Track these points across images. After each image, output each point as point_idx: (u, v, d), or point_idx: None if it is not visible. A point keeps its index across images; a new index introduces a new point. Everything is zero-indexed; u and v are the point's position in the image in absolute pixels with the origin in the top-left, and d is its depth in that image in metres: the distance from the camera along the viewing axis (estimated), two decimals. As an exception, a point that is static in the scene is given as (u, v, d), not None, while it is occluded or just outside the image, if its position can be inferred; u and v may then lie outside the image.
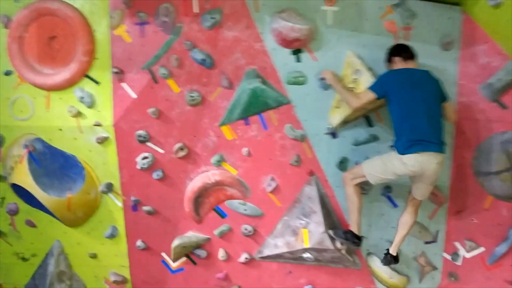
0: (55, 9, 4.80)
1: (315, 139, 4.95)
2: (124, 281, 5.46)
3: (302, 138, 4.92)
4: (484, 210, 5.00)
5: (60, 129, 5.08)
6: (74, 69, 4.89)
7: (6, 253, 5.57)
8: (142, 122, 4.98)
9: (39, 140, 5.13)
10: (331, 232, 4.92)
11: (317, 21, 4.69)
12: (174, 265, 5.40)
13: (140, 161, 5.03)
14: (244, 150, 4.99)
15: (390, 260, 4.84)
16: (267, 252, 5.21)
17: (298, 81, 4.80)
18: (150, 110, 4.90)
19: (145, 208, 5.19)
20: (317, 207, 4.99)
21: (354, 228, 4.76)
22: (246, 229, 5.17)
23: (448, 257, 5.17)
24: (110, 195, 5.22)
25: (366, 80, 4.55)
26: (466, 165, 4.96)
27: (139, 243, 5.30)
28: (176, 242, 5.23)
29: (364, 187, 4.94)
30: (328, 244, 4.92)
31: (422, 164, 4.30)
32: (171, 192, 5.18)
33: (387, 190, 5.04)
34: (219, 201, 5.18)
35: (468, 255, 5.12)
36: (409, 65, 4.45)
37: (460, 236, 5.11)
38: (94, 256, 5.44)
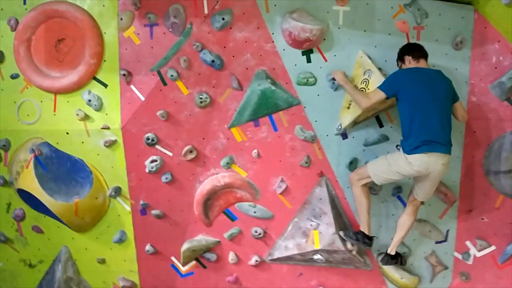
0: (63, 11, 4.74)
1: (325, 140, 4.92)
2: (133, 286, 5.41)
3: (313, 139, 4.89)
4: (494, 209, 5.03)
5: (67, 133, 5.02)
6: (82, 71, 4.82)
7: (12, 259, 5.51)
8: (150, 124, 4.92)
9: (46, 144, 5.06)
10: (341, 233, 4.91)
11: (328, 21, 4.67)
12: (183, 269, 5.36)
13: (149, 164, 4.98)
14: (254, 152, 4.95)
15: (388, 259, 4.87)
16: (277, 254, 5.18)
17: (308, 82, 4.77)
18: (159, 112, 4.85)
19: (154, 212, 5.14)
20: (327, 208, 4.98)
21: (364, 229, 4.77)
22: (256, 232, 5.14)
23: (459, 256, 5.18)
24: (119, 199, 5.16)
25: (376, 80, 4.53)
26: (476, 164, 4.98)
27: (148, 247, 5.25)
28: (185, 246, 5.19)
29: (374, 188, 4.97)
30: (339, 245, 4.91)
31: (428, 164, 4.29)
32: (180, 196, 5.13)
33: (397, 190, 5.04)
34: (229, 204, 5.14)
35: (479, 254, 5.14)
36: (421, 64, 4.44)
37: (471, 235, 5.14)
38: (102, 261, 5.38)
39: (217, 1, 4.60)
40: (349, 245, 4.94)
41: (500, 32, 4.66)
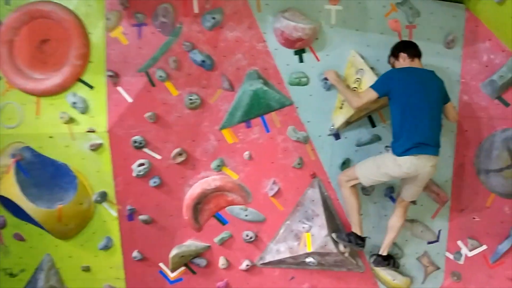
0: (48, 11, 4.57)
1: (318, 140, 4.88)
2: (119, 294, 5.25)
3: (305, 140, 4.83)
4: (486, 208, 5.04)
5: (51, 137, 4.83)
6: (67, 73, 4.65)
7: (-7, 269, 5.29)
8: (138, 127, 4.78)
9: (28, 148, 4.86)
10: (334, 235, 4.86)
11: (320, 21, 4.63)
12: (172, 275, 5.21)
13: (136, 168, 4.84)
14: (246, 154, 4.87)
15: (380, 261, 4.88)
16: (269, 258, 5.10)
17: (301, 82, 4.72)
18: (147, 114, 4.72)
19: (142, 217, 4.99)
20: (320, 210, 4.92)
21: (356, 230, 4.74)
22: (247, 235, 5.04)
23: (451, 256, 5.18)
24: (104, 204, 4.99)
25: (369, 79, 4.50)
26: (468, 163, 4.99)
27: (135, 254, 5.09)
28: (174, 252, 5.06)
29: (367, 189, 4.93)
30: (331, 247, 4.85)
31: (418, 166, 4.28)
32: (169, 200, 5.00)
33: (390, 191, 5.02)
34: (219, 208, 5.04)
35: (471, 254, 5.14)
36: (415, 63, 4.42)
37: (462, 235, 5.14)
38: (87, 269, 5.20)
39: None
40: (341, 247, 4.89)
41: (491, 30, 4.70)
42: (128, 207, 4.97)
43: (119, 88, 4.73)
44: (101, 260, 5.16)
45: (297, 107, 4.79)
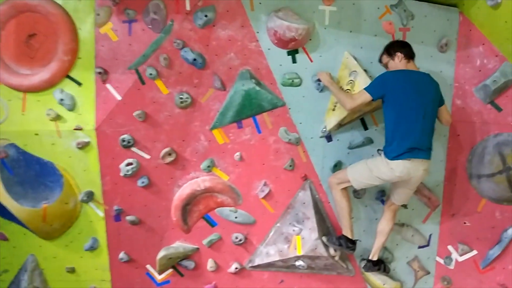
0: (35, 5, 4.46)
1: (310, 142, 4.82)
2: (105, 296, 5.16)
3: (297, 142, 4.78)
4: (477, 213, 5.02)
5: (37, 134, 4.72)
6: (54, 69, 4.56)
7: (-26, 269, 5.16)
8: (126, 125, 4.70)
9: (13, 145, 4.75)
10: (324, 239, 4.82)
11: (314, 21, 4.57)
12: (159, 277, 5.14)
13: (124, 167, 4.75)
14: (237, 155, 4.80)
15: (370, 266, 4.85)
16: (258, 261, 5.04)
17: (293, 82, 4.66)
18: (136, 113, 4.63)
19: (129, 217, 4.90)
20: (310, 213, 4.88)
21: (346, 233, 4.71)
22: (237, 238, 4.97)
23: (441, 261, 5.16)
24: (91, 204, 4.90)
25: (362, 81, 4.45)
26: (460, 167, 4.97)
27: (121, 255, 5.01)
28: (161, 254, 4.98)
29: (358, 192, 4.89)
30: (321, 251, 4.82)
31: (410, 170, 4.25)
32: (157, 200, 4.92)
33: (381, 194, 4.98)
34: (209, 209, 4.96)
35: (461, 259, 5.13)
36: (411, 65, 4.37)
37: (453, 240, 5.12)
38: (72, 270, 5.11)
39: (200, -3, 4.46)
40: (331, 251, 4.85)
41: (485, 34, 4.68)
42: (115, 207, 4.88)
43: (108, 86, 4.64)
44: (87, 261, 5.08)
45: (289, 108, 4.73)
